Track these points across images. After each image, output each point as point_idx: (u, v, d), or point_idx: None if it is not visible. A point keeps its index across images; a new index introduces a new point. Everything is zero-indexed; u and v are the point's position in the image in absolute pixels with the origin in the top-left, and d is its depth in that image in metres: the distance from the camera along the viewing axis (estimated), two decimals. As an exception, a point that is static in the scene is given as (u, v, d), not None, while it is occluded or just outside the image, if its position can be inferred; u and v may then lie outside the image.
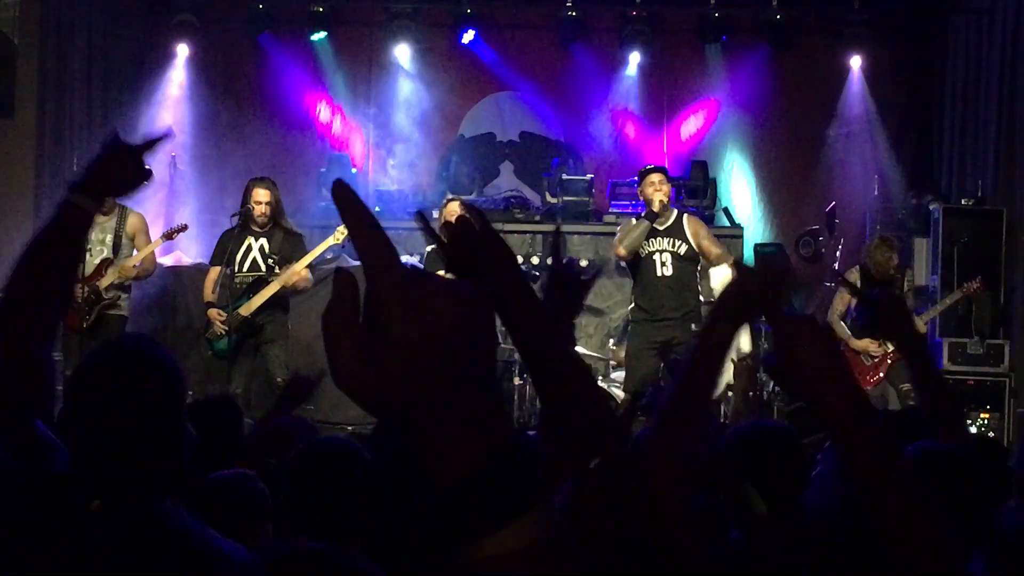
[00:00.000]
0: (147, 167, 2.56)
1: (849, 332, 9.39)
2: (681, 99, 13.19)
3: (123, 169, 2.51)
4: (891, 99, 12.86)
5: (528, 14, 13.19)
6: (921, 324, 9.26)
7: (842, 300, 9.51)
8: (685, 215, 8.86)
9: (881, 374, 9.29)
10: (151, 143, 2.59)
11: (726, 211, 12.43)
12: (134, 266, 9.02)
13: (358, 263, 1.03)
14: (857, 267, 9.63)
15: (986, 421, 9.95)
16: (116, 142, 2.56)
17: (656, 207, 8.58)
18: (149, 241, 9.25)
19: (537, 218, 12.38)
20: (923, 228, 11.15)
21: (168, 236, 9.30)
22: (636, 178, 9.26)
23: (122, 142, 2.56)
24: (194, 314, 10.07)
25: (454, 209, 9.08)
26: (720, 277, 8.61)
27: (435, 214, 12.32)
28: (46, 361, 2.38)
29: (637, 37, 12.75)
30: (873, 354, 9.29)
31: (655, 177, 8.71)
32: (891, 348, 9.15)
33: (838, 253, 11.55)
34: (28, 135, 10.70)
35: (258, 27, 12.72)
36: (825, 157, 12.89)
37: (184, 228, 9.61)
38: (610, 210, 12.17)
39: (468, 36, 12.78)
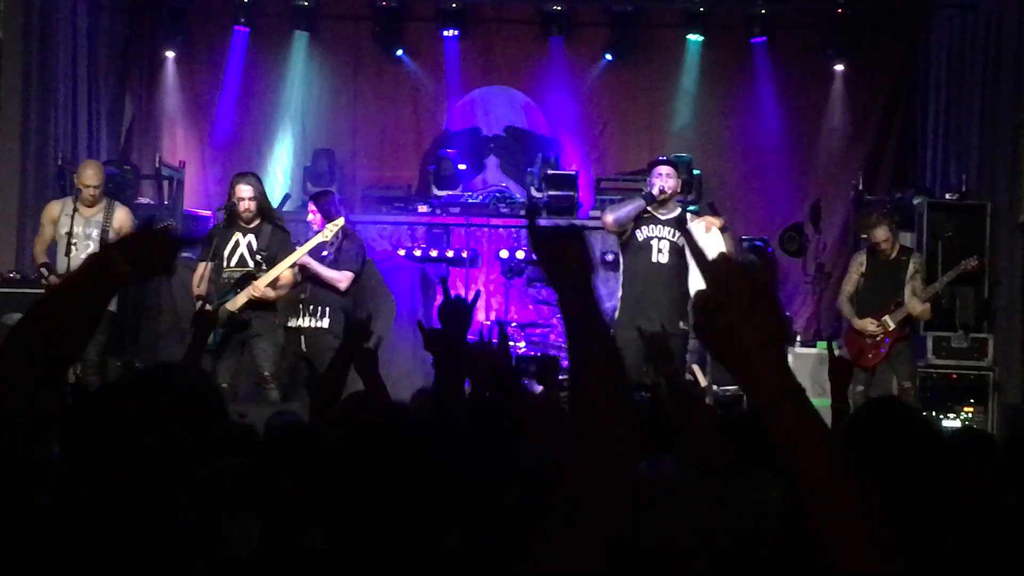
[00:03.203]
0: (173, 262, 2.47)
1: (854, 312, 9.53)
2: (666, 93, 13.19)
3: (154, 250, 2.39)
4: (875, 93, 12.89)
5: (513, 8, 13.18)
6: (918, 305, 9.36)
7: (850, 281, 9.65)
8: (689, 214, 8.79)
9: (882, 352, 9.36)
10: (186, 242, 2.51)
11: (711, 206, 12.42)
12: None
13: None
14: (865, 249, 9.74)
15: (970, 415, 10.00)
16: (153, 226, 2.45)
17: (655, 191, 8.46)
18: None
19: (522, 212, 12.41)
20: (907, 222, 11.17)
21: None
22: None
23: (162, 229, 2.49)
24: (180, 314, 10.00)
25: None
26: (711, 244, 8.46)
27: (423, 208, 12.38)
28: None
29: (622, 31, 12.76)
30: (872, 333, 9.38)
31: (663, 169, 8.61)
32: (891, 327, 9.29)
33: (823, 247, 11.61)
34: (13, 130, 10.66)
35: (240, 20, 12.69)
36: (809, 151, 12.92)
37: (169, 227, 9.56)
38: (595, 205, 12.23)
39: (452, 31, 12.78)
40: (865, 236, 9.65)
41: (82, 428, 2.15)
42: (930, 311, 9.53)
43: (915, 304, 9.32)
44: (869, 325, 9.40)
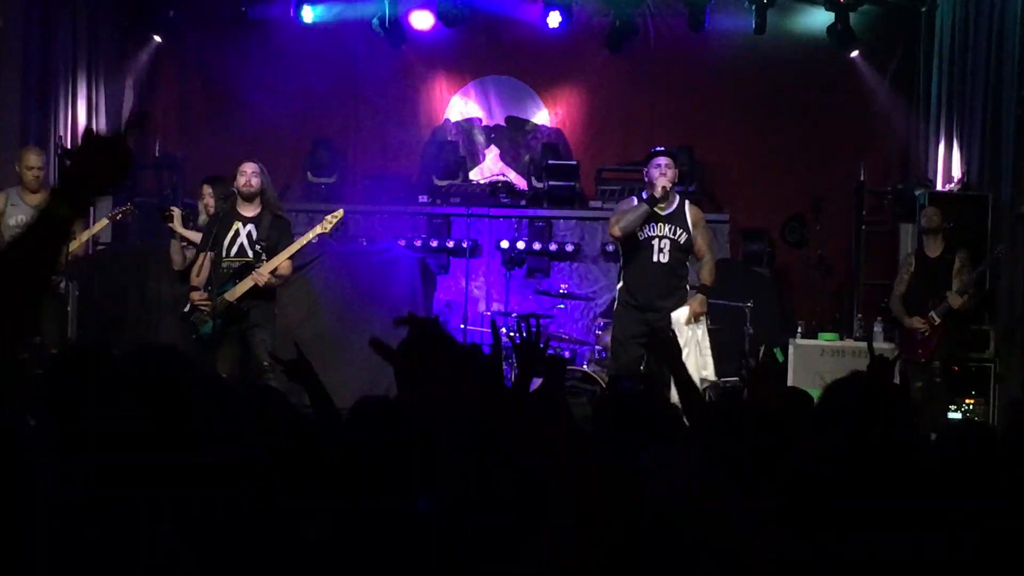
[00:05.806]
0: (127, 152, 2.49)
1: (905, 311, 9.76)
2: (667, 83, 13.16)
3: (103, 163, 2.43)
4: (877, 82, 12.85)
5: (515, -2, 13.16)
6: (957, 299, 9.55)
7: (901, 282, 9.92)
8: (687, 202, 8.59)
9: (931, 348, 9.59)
10: (127, 127, 2.54)
11: (712, 197, 12.43)
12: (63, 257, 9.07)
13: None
14: (914, 250, 10.09)
15: (971, 407, 10.00)
16: (89, 138, 2.47)
17: (658, 192, 8.27)
18: (82, 224, 9.31)
19: (523, 203, 12.40)
20: (909, 213, 11.16)
21: (113, 219, 9.34)
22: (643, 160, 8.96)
23: (96, 136, 2.49)
24: (161, 290, 10.01)
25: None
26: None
27: (423, 198, 12.38)
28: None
29: (624, 21, 12.71)
30: (921, 330, 9.61)
31: (662, 160, 8.42)
32: (937, 322, 9.57)
33: (825, 238, 11.58)
34: (13, 120, 10.66)
35: (241, 8, 12.66)
36: (811, 141, 12.89)
37: (132, 210, 9.59)
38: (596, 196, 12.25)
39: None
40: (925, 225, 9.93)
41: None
42: (968, 302, 9.66)
43: (955, 298, 9.56)
44: (916, 323, 9.66)
